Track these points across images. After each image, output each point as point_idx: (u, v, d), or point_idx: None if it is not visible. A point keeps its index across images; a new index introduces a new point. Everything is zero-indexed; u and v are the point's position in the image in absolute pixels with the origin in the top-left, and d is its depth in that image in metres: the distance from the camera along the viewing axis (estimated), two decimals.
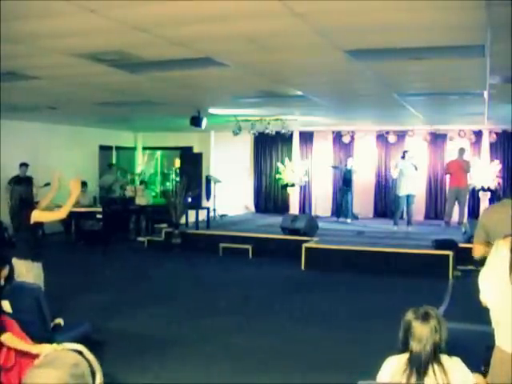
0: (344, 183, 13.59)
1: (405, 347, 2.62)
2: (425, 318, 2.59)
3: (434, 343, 2.55)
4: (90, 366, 3.16)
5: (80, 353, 3.29)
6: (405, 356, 2.62)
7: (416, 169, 12.11)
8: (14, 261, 4.93)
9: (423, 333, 2.56)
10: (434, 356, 2.54)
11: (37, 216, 4.97)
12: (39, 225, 5.09)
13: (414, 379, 2.53)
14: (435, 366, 2.52)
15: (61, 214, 5.11)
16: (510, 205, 3.80)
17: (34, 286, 4.41)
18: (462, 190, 12.23)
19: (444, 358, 2.57)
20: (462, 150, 12.42)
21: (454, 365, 2.56)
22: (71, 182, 5.05)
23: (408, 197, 12.10)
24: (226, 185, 14.81)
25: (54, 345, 3.58)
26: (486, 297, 2.83)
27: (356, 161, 14.11)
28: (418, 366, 2.53)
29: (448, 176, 12.69)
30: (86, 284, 7.97)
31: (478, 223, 4.08)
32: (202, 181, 15.81)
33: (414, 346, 2.57)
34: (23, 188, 5.15)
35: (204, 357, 5.17)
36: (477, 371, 2.77)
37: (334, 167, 14.51)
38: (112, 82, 7.39)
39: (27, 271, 4.92)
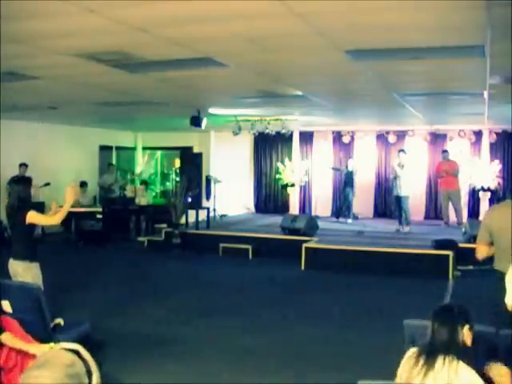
0: (346, 185, 13.46)
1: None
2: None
3: (450, 338, 2.55)
4: (87, 366, 3.15)
5: (77, 352, 3.27)
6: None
7: (402, 167, 11.44)
8: (11, 261, 5.05)
9: (443, 325, 2.58)
10: (446, 352, 2.52)
11: (31, 217, 5.00)
12: (34, 225, 5.12)
13: (419, 367, 2.54)
14: (444, 363, 2.50)
15: (54, 220, 5.12)
16: (511, 205, 3.81)
17: (34, 286, 4.41)
18: (452, 192, 12.24)
19: (456, 361, 2.51)
20: (445, 153, 12.53)
21: (462, 370, 2.49)
22: (67, 189, 5.05)
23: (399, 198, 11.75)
24: (226, 185, 14.82)
25: (52, 344, 3.57)
26: None
27: (356, 161, 14.03)
28: (428, 354, 2.55)
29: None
30: (86, 284, 7.96)
31: (481, 224, 4.08)
32: (202, 181, 15.81)
33: (432, 333, 2.59)
34: (21, 188, 5.15)
35: (204, 357, 5.17)
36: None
37: (335, 169, 14.47)
38: (112, 82, 7.39)
39: (24, 271, 4.96)
